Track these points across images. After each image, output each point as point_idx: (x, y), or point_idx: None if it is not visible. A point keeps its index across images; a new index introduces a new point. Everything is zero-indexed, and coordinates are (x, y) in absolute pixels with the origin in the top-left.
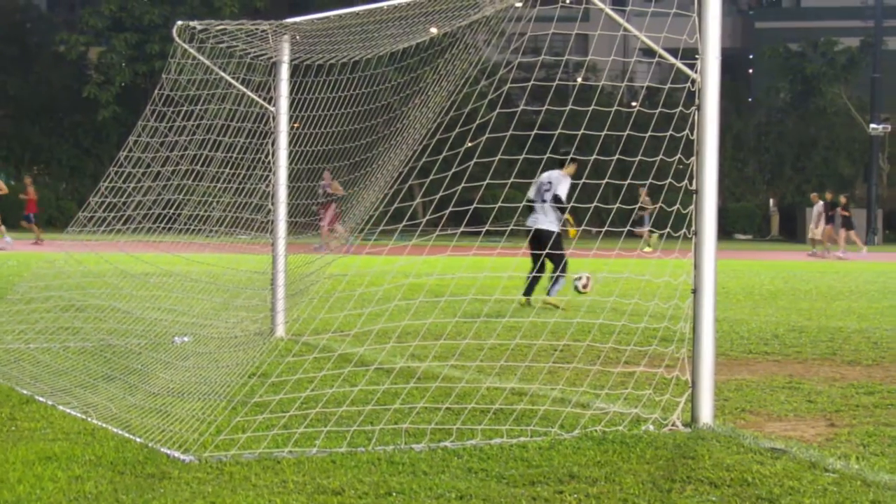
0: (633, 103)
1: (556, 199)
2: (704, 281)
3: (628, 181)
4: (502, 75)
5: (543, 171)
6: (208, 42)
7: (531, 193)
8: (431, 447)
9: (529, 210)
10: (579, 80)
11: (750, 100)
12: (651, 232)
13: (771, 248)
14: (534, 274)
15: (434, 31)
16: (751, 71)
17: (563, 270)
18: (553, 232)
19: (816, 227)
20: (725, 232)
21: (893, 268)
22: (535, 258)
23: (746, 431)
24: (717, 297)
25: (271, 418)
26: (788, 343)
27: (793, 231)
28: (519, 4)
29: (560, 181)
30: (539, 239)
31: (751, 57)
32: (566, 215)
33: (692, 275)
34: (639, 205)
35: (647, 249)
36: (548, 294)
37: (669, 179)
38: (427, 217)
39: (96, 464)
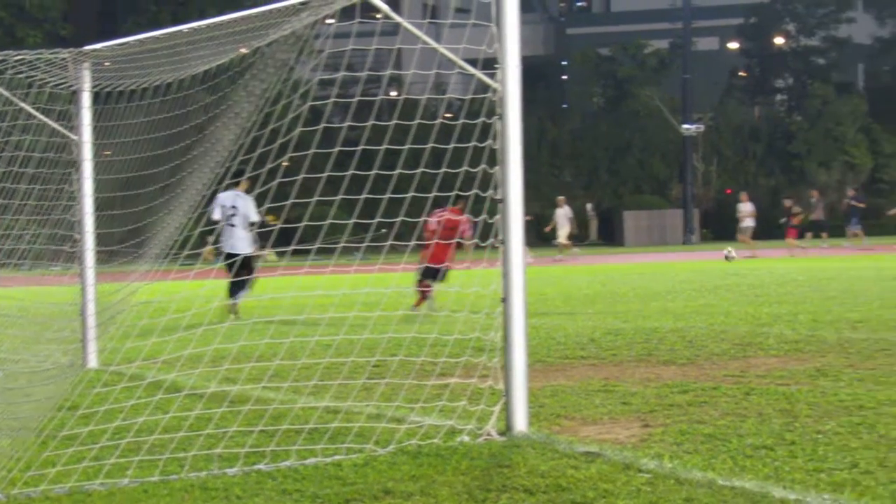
0: (447, 115)
1: (252, 224)
2: (513, 289)
3: (434, 193)
4: (312, 92)
5: (223, 189)
6: (6, 73)
7: (216, 215)
8: (245, 471)
9: (215, 230)
10: (393, 93)
11: (564, 106)
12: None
13: (590, 252)
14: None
15: (243, 50)
16: (564, 77)
17: (249, 287)
18: (247, 253)
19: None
20: (544, 239)
21: (710, 266)
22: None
23: (561, 437)
24: (535, 304)
25: (82, 451)
26: (605, 346)
27: (611, 235)
28: (331, 21)
29: (245, 204)
30: (234, 260)
31: (564, 63)
32: (267, 216)
33: (502, 284)
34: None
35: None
36: (234, 302)
37: (475, 190)
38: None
39: None
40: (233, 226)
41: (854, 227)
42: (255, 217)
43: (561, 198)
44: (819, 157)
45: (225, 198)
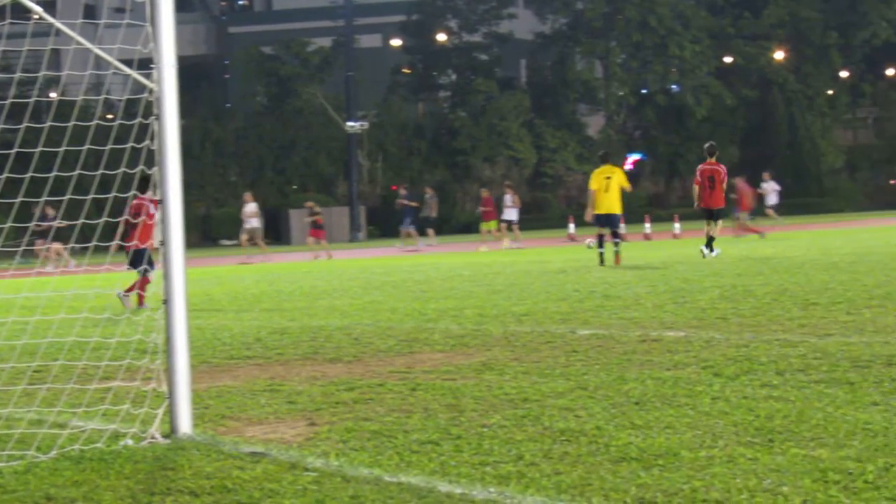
0: (109, 116)
1: None
2: (175, 290)
3: (91, 195)
4: None
5: None
6: None
7: None
8: None
9: None
10: (52, 95)
11: (228, 105)
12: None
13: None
14: None
15: None
16: (227, 76)
17: None
18: None
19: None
20: (211, 239)
21: (375, 263)
22: None
23: (226, 438)
24: (201, 304)
25: None
26: (271, 345)
27: (278, 233)
28: None
29: None
30: None
31: (226, 62)
32: None
33: (163, 285)
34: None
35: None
36: None
37: (135, 191)
38: None
39: None
40: None
41: (407, 226)
42: None
43: (248, 194)
44: (484, 153)
45: None
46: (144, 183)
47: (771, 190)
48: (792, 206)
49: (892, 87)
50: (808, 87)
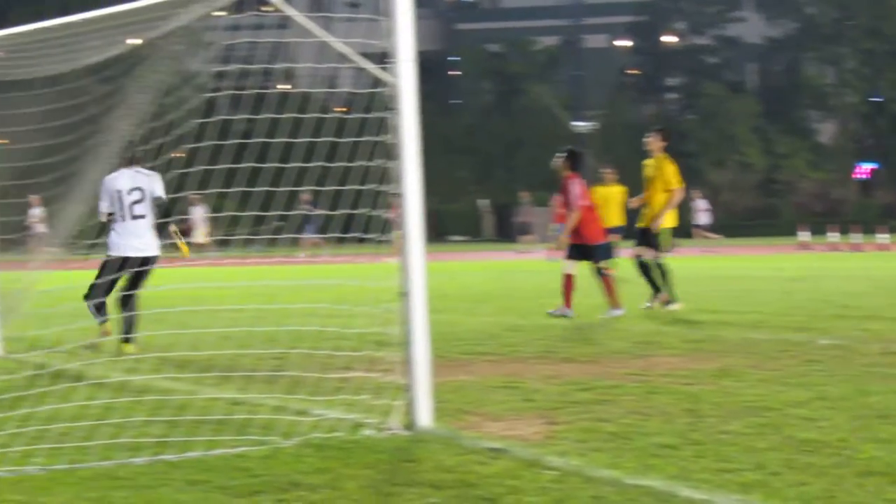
0: (337, 109)
1: (160, 205)
2: (414, 283)
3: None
4: (204, 83)
5: (114, 170)
6: None
7: (105, 206)
8: (151, 460)
9: (107, 228)
10: (285, 86)
11: (456, 102)
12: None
13: (485, 248)
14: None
15: (134, 41)
16: (456, 73)
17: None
18: (156, 257)
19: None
20: (439, 234)
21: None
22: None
23: (466, 432)
24: (433, 300)
25: None
26: (505, 342)
27: (506, 230)
28: (221, 13)
29: (151, 182)
30: (132, 267)
31: (453, 59)
32: (173, 227)
33: (402, 278)
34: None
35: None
36: (126, 341)
37: (374, 184)
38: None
39: None
40: (139, 217)
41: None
42: (163, 194)
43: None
44: (712, 157)
45: (119, 181)
46: (574, 159)
47: None
48: None
49: None
50: None
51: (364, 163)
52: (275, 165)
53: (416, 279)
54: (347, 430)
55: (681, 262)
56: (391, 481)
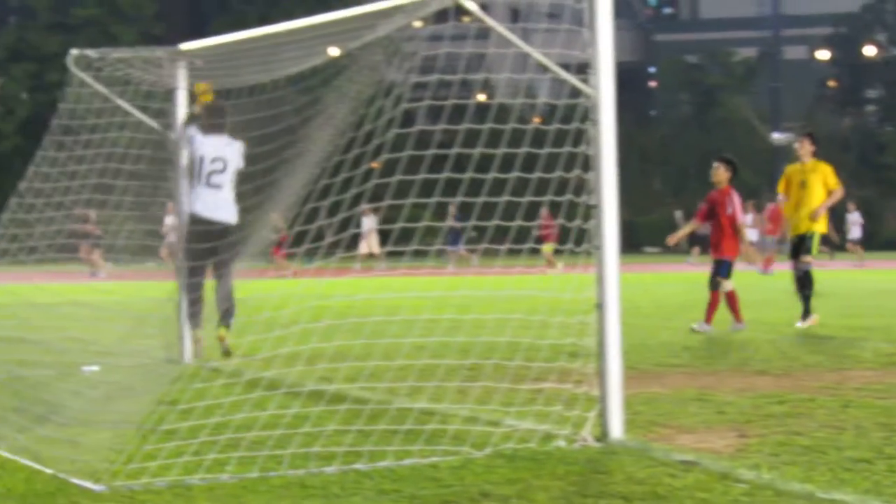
0: (535, 119)
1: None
2: (608, 295)
3: (528, 198)
4: (403, 94)
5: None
6: (104, 70)
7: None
8: (343, 469)
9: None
10: (483, 97)
11: (652, 113)
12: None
13: (680, 260)
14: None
15: (334, 51)
16: (653, 84)
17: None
18: (233, 223)
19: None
20: (633, 245)
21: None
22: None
23: (657, 445)
24: (626, 311)
25: (182, 445)
26: (698, 355)
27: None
28: (418, 24)
29: (235, 153)
30: (213, 237)
31: (651, 70)
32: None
33: (596, 290)
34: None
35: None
36: (227, 328)
37: (569, 195)
38: (331, 239)
39: (6, 496)
40: (215, 187)
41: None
42: (240, 164)
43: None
44: None
45: (207, 144)
46: (735, 170)
47: None
48: None
49: None
50: None
51: (561, 174)
52: (472, 176)
53: (611, 290)
54: (539, 441)
55: (860, 274)
56: (582, 493)
